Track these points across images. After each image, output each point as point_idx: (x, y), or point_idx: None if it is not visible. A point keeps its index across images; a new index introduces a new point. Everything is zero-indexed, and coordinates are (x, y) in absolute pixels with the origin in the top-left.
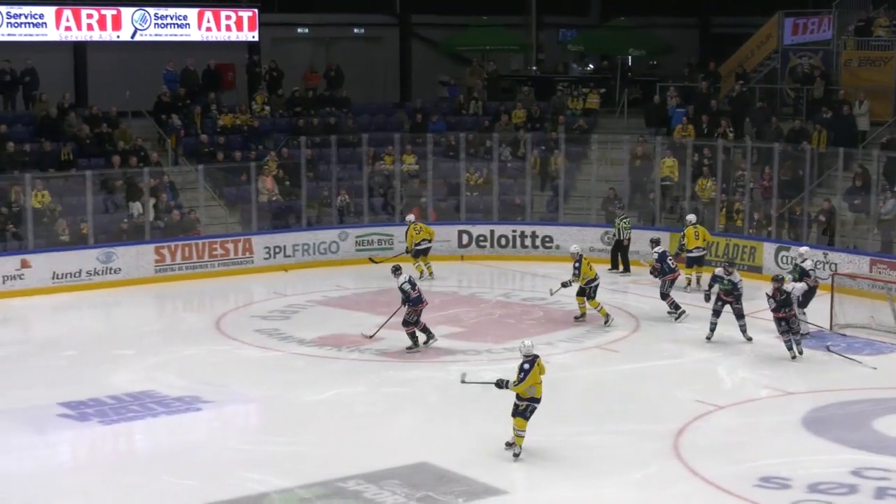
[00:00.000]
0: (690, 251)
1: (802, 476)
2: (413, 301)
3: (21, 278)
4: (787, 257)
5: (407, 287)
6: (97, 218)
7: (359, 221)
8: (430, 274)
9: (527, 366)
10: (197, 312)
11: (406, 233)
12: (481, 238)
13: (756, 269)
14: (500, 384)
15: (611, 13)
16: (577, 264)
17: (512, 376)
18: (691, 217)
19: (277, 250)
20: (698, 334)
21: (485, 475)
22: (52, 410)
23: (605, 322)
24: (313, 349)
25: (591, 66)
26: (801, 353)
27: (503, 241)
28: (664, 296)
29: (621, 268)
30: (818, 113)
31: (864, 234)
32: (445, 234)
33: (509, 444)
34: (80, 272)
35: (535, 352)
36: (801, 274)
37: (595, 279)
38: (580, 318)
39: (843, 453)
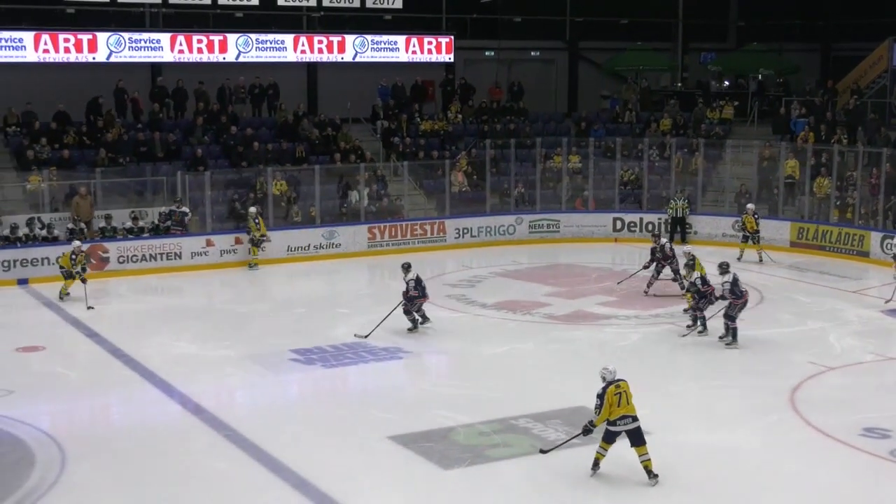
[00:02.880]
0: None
1: None
2: (410, 298)
3: (263, 251)
4: (890, 244)
5: (412, 284)
6: (323, 203)
7: (532, 209)
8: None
9: (600, 391)
10: (400, 280)
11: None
12: (632, 224)
13: (864, 254)
14: (586, 430)
15: (745, 39)
16: (690, 261)
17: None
18: (751, 206)
19: (465, 231)
20: (813, 308)
21: None
22: (284, 356)
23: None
24: (493, 312)
25: (727, 83)
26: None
27: (650, 227)
28: (730, 318)
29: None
30: None
31: None
32: (602, 222)
33: (650, 474)
34: (308, 246)
35: (616, 377)
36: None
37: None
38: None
39: None
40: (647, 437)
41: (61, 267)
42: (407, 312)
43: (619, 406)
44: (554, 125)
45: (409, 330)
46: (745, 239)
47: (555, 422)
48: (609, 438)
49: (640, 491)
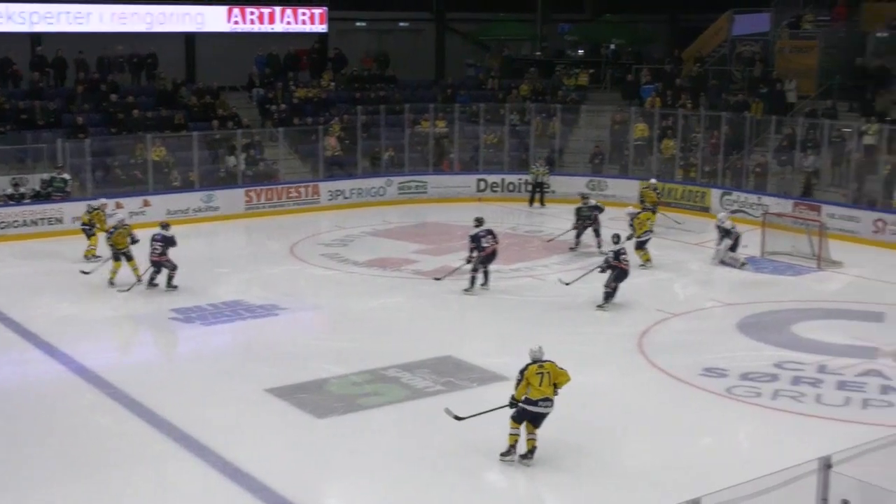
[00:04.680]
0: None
1: (736, 368)
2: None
3: (143, 214)
4: (729, 199)
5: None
6: (202, 168)
7: (401, 171)
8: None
9: (523, 367)
10: (277, 241)
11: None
12: (495, 185)
13: (705, 209)
14: (511, 403)
15: (601, 10)
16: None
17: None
18: (653, 181)
19: (338, 193)
20: (662, 260)
21: (494, 365)
22: (165, 315)
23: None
24: (364, 269)
25: (582, 52)
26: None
27: (511, 187)
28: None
29: (538, 205)
30: (757, 89)
31: (790, 182)
32: (466, 182)
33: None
34: (188, 209)
35: (543, 357)
36: (724, 233)
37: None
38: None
39: (768, 350)
40: (506, 381)
41: None
42: (474, 270)
43: (540, 385)
44: (422, 92)
45: (465, 291)
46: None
47: (422, 371)
48: (519, 418)
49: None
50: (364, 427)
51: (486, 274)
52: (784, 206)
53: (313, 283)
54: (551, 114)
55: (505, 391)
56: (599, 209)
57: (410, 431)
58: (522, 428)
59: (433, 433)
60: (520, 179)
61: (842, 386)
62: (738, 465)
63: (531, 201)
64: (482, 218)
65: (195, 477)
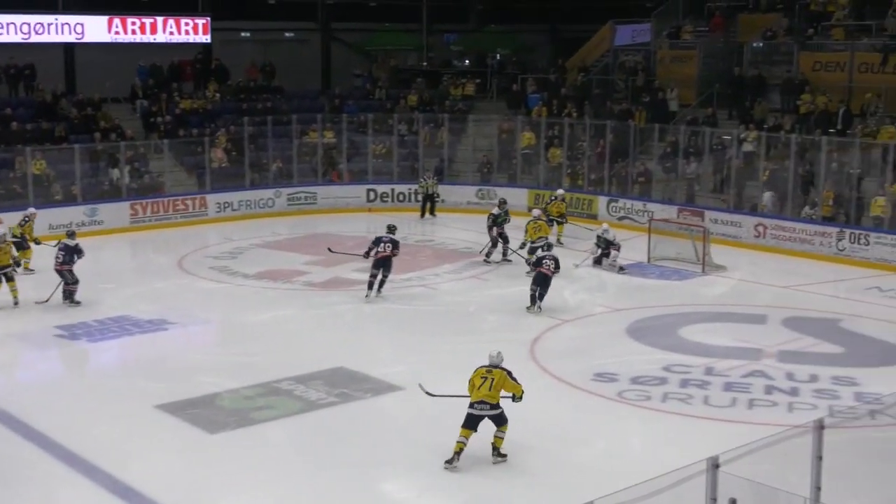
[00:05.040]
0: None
1: (626, 372)
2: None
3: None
4: (615, 206)
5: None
6: (84, 181)
7: (290, 182)
8: None
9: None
10: (164, 254)
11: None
12: (385, 195)
13: (592, 216)
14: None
15: (485, 21)
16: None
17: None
18: (560, 192)
19: (226, 205)
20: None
21: (388, 375)
22: (49, 332)
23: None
24: (254, 281)
25: (468, 62)
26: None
27: (401, 197)
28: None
29: (429, 215)
30: (640, 98)
31: (674, 188)
32: (356, 193)
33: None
34: (70, 223)
35: (499, 363)
36: (607, 243)
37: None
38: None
39: (657, 354)
40: (398, 391)
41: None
42: (372, 276)
43: (479, 389)
44: (309, 102)
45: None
46: (552, 223)
47: (316, 382)
48: (467, 423)
49: (398, 444)
50: (258, 441)
51: (381, 283)
52: (669, 212)
53: (202, 297)
54: (439, 123)
55: (400, 401)
56: (505, 219)
57: (305, 444)
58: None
59: (328, 445)
60: (409, 189)
61: (728, 387)
62: (631, 468)
63: (423, 213)
64: (395, 227)
65: (85, 497)
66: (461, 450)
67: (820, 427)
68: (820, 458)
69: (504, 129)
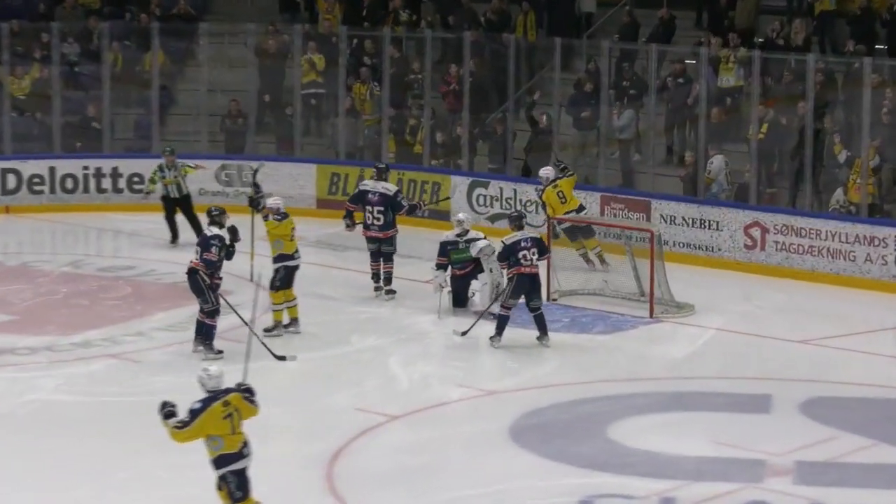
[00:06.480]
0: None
1: None
2: None
3: None
4: (485, 197)
5: None
6: None
7: None
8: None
9: (198, 405)
10: None
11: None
12: (36, 179)
13: (443, 217)
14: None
15: None
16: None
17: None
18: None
19: None
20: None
21: None
22: None
23: None
24: None
25: None
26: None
27: (70, 184)
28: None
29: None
30: None
31: (593, 160)
32: None
33: None
34: None
35: (224, 385)
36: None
37: None
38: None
39: (569, 476)
40: None
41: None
42: None
43: (233, 433)
44: None
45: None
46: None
47: None
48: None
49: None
50: None
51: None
52: (587, 203)
53: None
54: (142, 39)
55: None
56: None
57: None
58: None
59: None
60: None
61: None
62: None
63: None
64: None
65: None
66: None
67: None
68: None
69: (269, 51)
